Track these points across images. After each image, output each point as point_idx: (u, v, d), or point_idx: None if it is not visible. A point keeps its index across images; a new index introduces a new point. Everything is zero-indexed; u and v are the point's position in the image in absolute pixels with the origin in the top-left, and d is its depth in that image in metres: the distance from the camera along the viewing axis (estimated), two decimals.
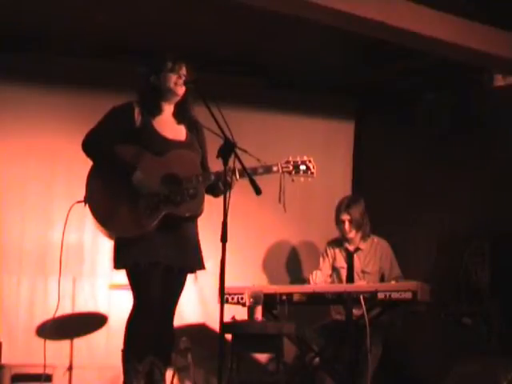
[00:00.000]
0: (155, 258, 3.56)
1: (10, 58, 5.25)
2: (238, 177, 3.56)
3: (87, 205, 3.64)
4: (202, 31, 5.12)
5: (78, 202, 3.77)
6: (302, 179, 3.78)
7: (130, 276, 3.63)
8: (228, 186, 3.43)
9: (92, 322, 5.27)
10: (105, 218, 3.59)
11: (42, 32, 5.17)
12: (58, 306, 4.12)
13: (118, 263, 3.62)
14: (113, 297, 5.34)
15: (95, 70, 5.48)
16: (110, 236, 3.64)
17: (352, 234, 5.20)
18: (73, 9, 4.83)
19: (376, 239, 5.24)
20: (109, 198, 3.60)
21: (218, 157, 3.38)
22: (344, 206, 5.18)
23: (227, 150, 3.32)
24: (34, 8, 4.82)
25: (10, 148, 5.32)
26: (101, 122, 3.72)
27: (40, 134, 5.41)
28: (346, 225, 5.16)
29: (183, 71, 3.71)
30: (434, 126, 5.87)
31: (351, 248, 5.26)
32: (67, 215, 4.09)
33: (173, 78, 3.71)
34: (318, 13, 4.45)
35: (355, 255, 5.24)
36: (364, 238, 5.23)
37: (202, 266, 3.74)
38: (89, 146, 3.69)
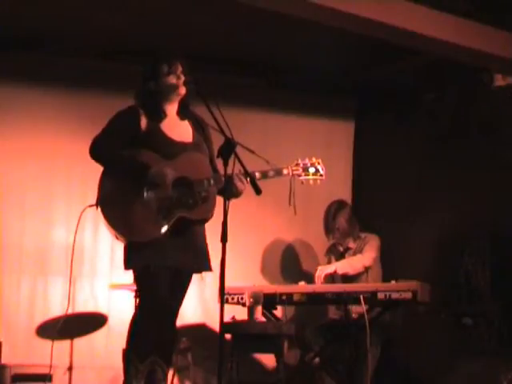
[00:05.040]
0: (165, 261, 3.56)
1: (9, 58, 5.25)
2: (248, 179, 3.56)
3: (99, 209, 3.61)
4: (202, 31, 5.12)
5: (90, 205, 3.78)
6: (311, 181, 3.82)
7: (138, 277, 3.64)
8: (238, 192, 3.55)
9: (92, 321, 5.27)
10: (117, 222, 3.57)
11: (42, 32, 5.17)
12: (68, 304, 4.30)
13: (129, 264, 3.61)
14: (113, 297, 5.35)
15: (95, 70, 5.48)
16: (123, 240, 3.62)
17: (341, 241, 5.31)
18: (73, 9, 4.83)
19: (364, 235, 5.27)
20: (121, 201, 3.57)
21: (217, 156, 3.39)
22: (331, 216, 5.28)
23: (227, 150, 3.32)
24: (34, 8, 4.82)
25: (10, 148, 5.32)
26: (106, 126, 3.69)
27: (40, 134, 5.41)
28: (335, 234, 5.25)
29: (180, 69, 3.70)
30: (433, 125, 5.86)
31: (342, 249, 5.34)
32: (79, 219, 4.24)
33: (172, 79, 3.69)
34: (317, 13, 4.44)
35: (346, 254, 5.29)
36: (354, 238, 5.27)
37: (209, 268, 3.74)
38: (96, 152, 3.65)
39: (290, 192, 3.73)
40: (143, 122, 3.68)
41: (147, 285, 3.60)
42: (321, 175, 3.82)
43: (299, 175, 3.78)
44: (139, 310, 3.67)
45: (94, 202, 3.66)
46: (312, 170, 3.80)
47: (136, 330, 3.59)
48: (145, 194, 3.57)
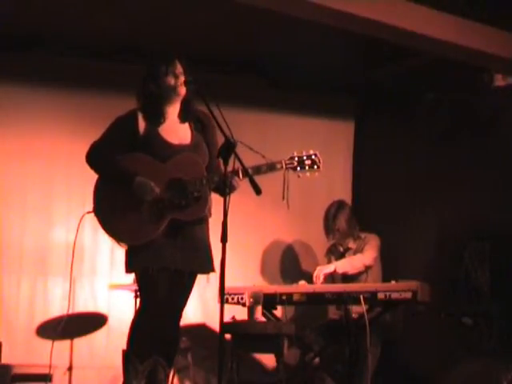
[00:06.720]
0: (164, 263, 3.57)
1: (9, 58, 5.25)
2: (241, 177, 3.56)
3: (95, 216, 3.65)
4: (202, 31, 5.12)
5: (88, 212, 3.83)
6: (308, 174, 3.73)
7: (138, 279, 3.67)
8: (232, 188, 3.48)
9: (92, 321, 5.27)
10: (113, 227, 3.60)
11: (42, 32, 5.17)
12: (69, 304, 4.38)
13: (129, 267, 3.65)
14: (113, 297, 5.35)
15: (95, 70, 5.48)
16: (123, 245, 3.65)
17: (342, 241, 5.32)
18: (73, 9, 4.83)
19: (364, 235, 5.28)
20: (116, 207, 3.60)
21: (218, 156, 3.38)
22: (331, 216, 5.28)
23: (227, 149, 3.31)
24: (34, 8, 4.83)
25: (10, 148, 5.32)
26: (105, 132, 3.72)
27: (40, 134, 5.41)
28: (335, 234, 5.27)
29: (179, 69, 3.70)
30: (433, 126, 5.86)
31: (342, 249, 5.35)
32: (78, 225, 4.30)
33: (171, 80, 3.69)
34: (317, 13, 4.44)
35: (346, 255, 5.30)
36: (354, 238, 5.28)
37: (212, 269, 3.73)
38: (91, 158, 3.70)
39: (284, 186, 3.67)
40: (141, 126, 3.69)
41: (147, 287, 3.62)
42: (318, 167, 3.72)
43: (294, 168, 3.69)
44: (139, 311, 3.68)
45: (93, 203, 3.70)
46: (308, 162, 3.71)
47: (136, 331, 3.60)
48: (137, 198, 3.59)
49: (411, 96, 6.00)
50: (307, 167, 3.72)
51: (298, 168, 3.71)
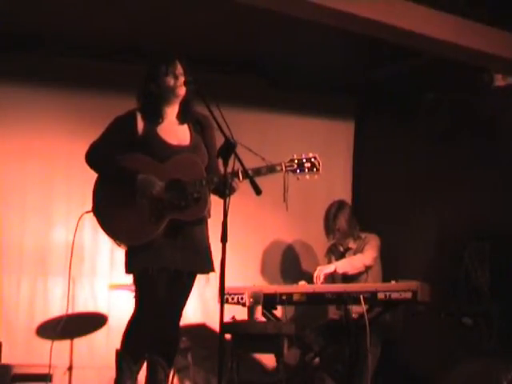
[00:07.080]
0: (164, 263, 3.58)
1: (9, 58, 5.25)
2: (241, 178, 3.56)
3: (95, 216, 3.65)
4: (202, 31, 5.12)
5: (87, 212, 3.83)
6: (307, 177, 3.75)
7: (137, 279, 3.66)
8: (231, 189, 3.47)
9: (92, 321, 5.27)
10: (112, 228, 3.61)
11: (42, 32, 5.17)
12: (67, 304, 4.41)
13: (129, 268, 3.64)
14: (113, 297, 5.35)
15: (95, 70, 5.48)
16: (123, 245, 3.65)
17: (342, 241, 5.33)
18: (73, 9, 4.83)
19: (364, 235, 5.29)
20: (115, 207, 3.60)
21: (218, 157, 3.39)
22: (331, 216, 5.28)
23: (227, 150, 3.31)
24: (33, 8, 4.82)
25: (10, 148, 5.32)
26: (104, 132, 3.73)
27: (40, 135, 5.41)
28: (336, 234, 5.28)
29: (179, 70, 3.70)
30: (433, 126, 5.86)
31: (342, 249, 5.36)
32: (77, 225, 4.32)
33: (171, 81, 3.69)
34: (317, 13, 4.45)
35: (346, 254, 5.31)
36: (354, 238, 5.28)
37: (211, 269, 3.73)
38: (91, 158, 3.70)
39: (284, 188, 3.69)
40: (140, 126, 3.70)
41: (144, 287, 3.62)
42: (317, 170, 3.74)
43: (294, 171, 3.71)
44: (136, 311, 3.67)
45: (92, 203, 3.70)
46: (308, 165, 3.73)
47: (131, 331, 3.61)
48: (137, 198, 3.58)
49: (411, 96, 6.00)
50: (307, 170, 3.74)
51: (298, 171, 3.73)
